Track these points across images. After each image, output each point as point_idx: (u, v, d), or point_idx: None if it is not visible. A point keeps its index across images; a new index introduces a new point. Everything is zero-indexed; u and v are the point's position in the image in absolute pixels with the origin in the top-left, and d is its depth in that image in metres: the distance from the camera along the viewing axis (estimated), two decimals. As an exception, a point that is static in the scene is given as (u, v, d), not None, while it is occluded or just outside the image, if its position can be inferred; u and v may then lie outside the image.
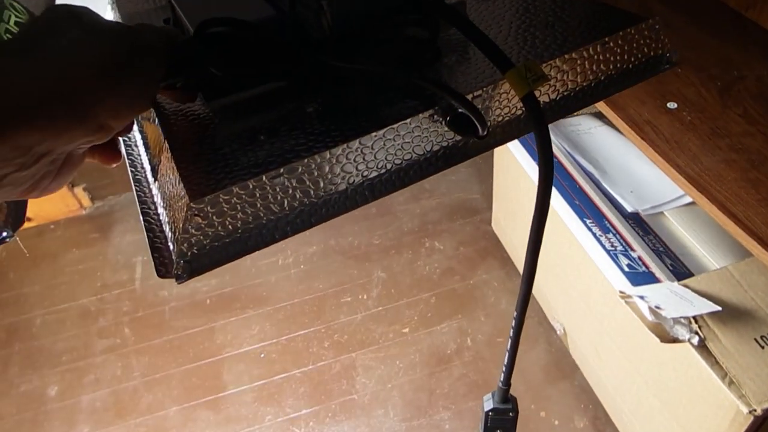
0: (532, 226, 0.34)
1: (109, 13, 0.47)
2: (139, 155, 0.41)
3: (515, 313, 0.39)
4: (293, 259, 1.32)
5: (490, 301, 1.18)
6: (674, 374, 0.66)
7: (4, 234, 0.27)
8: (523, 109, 0.34)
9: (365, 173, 0.33)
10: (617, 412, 0.89)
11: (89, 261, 1.38)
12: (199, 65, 0.29)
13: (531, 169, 0.89)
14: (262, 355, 1.14)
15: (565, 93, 0.36)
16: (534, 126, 0.30)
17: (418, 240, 1.32)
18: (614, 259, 0.69)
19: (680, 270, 0.71)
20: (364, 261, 1.29)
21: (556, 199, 0.80)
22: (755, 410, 0.58)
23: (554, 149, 0.89)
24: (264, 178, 0.29)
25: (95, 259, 1.38)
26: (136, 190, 0.37)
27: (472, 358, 1.09)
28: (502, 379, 0.46)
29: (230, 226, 0.31)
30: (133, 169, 0.39)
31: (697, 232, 0.78)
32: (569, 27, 0.37)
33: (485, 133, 0.31)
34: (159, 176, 0.35)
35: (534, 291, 1.14)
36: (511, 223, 1.15)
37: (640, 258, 0.70)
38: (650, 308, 0.61)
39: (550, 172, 0.31)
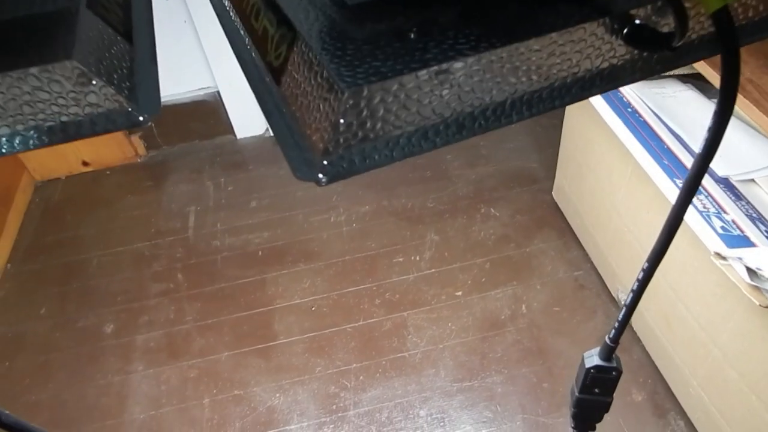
0: (696, 160, 0.31)
1: None
2: (248, 52, 0.38)
3: (645, 266, 0.36)
4: (345, 217, 1.31)
5: (547, 270, 1.15)
6: (763, 344, 0.63)
7: (141, 119, 0.26)
8: (713, 27, 0.31)
9: (525, 85, 0.30)
10: (682, 385, 0.86)
11: (143, 208, 1.40)
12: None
13: (615, 125, 0.84)
14: (313, 309, 1.14)
15: (756, 17, 0.33)
16: (722, 47, 0.27)
17: (473, 205, 1.29)
18: (708, 220, 0.66)
19: (774, 238, 0.67)
20: (417, 223, 1.27)
21: (644, 158, 0.77)
22: None
23: (640, 110, 0.86)
24: (424, 73, 0.27)
25: (149, 206, 1.40)
26: (251, 87, 0.35)
27: (526, 325, 1.07)
28: (611, 335, 0.43)
29: (380, 129, 0.28)
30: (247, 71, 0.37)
31: (789, 202, 0.74)
32: None
33: (680, 43, 0.28)
34: (286, 75, 0.33)
35: (595, 260, 1.11)
36: (577, 190, 1.12)
37: (734, 221, 0.66)
38: (749, 270, 0.58)
39: (731, 102, 0.28)
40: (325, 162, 0.27)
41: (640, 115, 0.83)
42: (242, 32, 0.33)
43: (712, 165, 0.76)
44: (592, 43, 0.29)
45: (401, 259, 1.21)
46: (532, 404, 0.96)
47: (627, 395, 0.96)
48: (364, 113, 0.26)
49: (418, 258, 1.21)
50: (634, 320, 1.00)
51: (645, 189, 0.80)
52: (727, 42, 0.26)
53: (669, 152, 0.76)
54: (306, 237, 1.28)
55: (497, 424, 0.95)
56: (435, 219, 1.27)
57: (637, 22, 0.28)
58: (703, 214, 0.67)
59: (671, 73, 0.91)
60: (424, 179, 1.36)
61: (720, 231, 0.65)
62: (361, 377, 1.03)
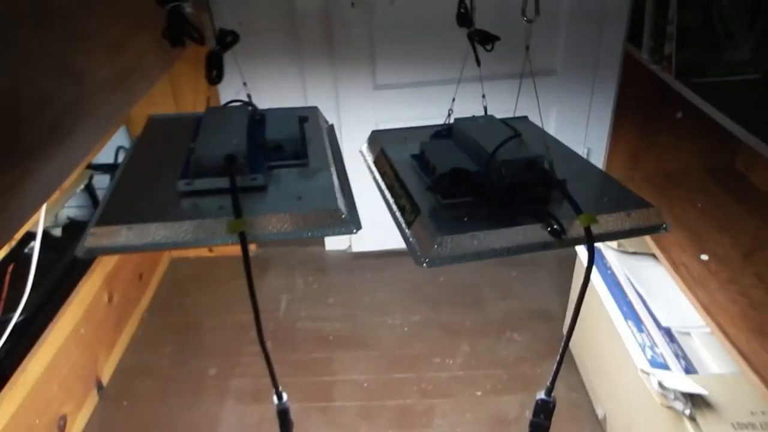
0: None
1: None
2: (395, 213, 0.76)
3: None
4: (399, 322, 1.68)
5: (551, 389, 1.45)
6: (663, 424, 0.93)
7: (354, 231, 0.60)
8: (584, 232, 0.66)
9: (504, 246, 0.66)
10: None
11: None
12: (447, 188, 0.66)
13: (606, 297, 1.20)
14: (365, 385, 1.48)
15: (601, 233, 0.69)
16: (587, 241, 0.63)
17: (501, 330, 1.64)
18: (643, 349, 0.99)
19: (692, 371, 0.99)
20: (454, 335, 1.63)
21: (611, 306, 1.12)
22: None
23: (617, 274, 1.22)
24: (467, 235, 0.63)
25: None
26: (395, 221, 0.73)
27: (526, 428, 1.36)
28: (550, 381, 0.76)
29: (450, 251, 0.65)
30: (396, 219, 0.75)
31: (715, 354, 1.06)
32: (616, 202, 0.69)
33: (564, 238, 0.64)
34: (413, 225, 0.70)
35: (587, 385, 1.41)
36: (578, 332, 1.45)
37: (662, 354, 0.99)
38: (659, 384, 0.91)
39: (590, 270, 0.65)
40: (426, 260, 0.65)
41: (615, 277, 1.19)
42: (392, 203, 0.74)
43: (657, 315, 1.11)
44: (536, 230, 0.66)
45: (438, 361, 1.55)
46: (522, 486, 1.23)
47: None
48: (444, 246, 0.64)
49: (451, 362, 1.54)
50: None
51: (610, 328, 1.14)
52: (589, 241, 0.63)
53: (629, 304, 1.11)
54: (367, 332, 1.65)
55: (492, 496, 1.22)
56: (469, 335, 1.62)
57: (551, 228, 0.66)
58: (641, 344, 1.01)
59: (645, 251, 1.28)
60: (464, 303, 1.74)
61: (649, 357, 0.98)
62: (393, 441, 1.34)
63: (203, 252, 1.98)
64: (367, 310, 1.73)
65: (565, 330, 1.59)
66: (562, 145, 0.79)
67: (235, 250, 0.59)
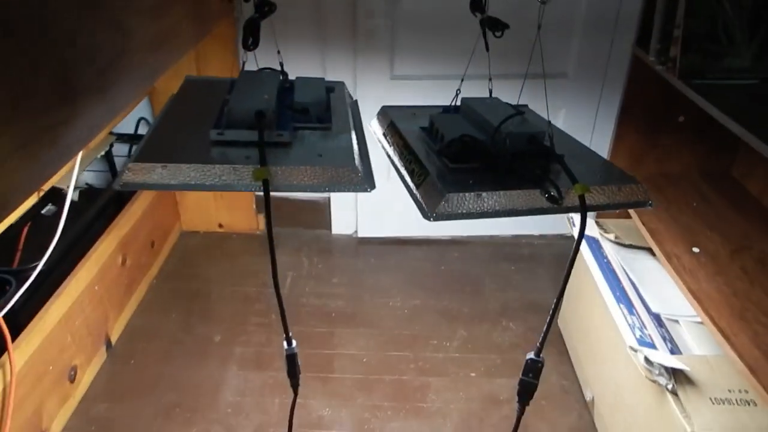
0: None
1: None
2: (404, 177, 0.83)
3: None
4: (400, 305, 1.74)
5: (543, 376, 1.50)
6: (648, 395, 0.99)
7: (368, 189, 0.66)
8: (578, 200, 0.72)
9: (505, 207, 0.72)
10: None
11: (256, 265, 1.89)
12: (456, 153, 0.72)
13: (600, 282, 1.26)
14: (364, 360, 1.54)
15: (594, 204, 0.75)
16: (581, 208, 0.70)
17: (498, 318, 1.69)
18: (632, 329, 1.05)
19: (676, 353, 1.05)
20: (452, 321, 1.68)
21: (605, 290, 1.18)
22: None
23: (613, 263, 1.29)
24: (471, 194, 0.70)
25: (260, 265, 1.89)
26: (404, 184, 0.80)
27: (516, 408, 1.41)
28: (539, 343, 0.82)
29: (455, 208, 0.71)
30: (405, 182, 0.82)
31: (700, 341, 1.12)
32: (608, 177, 0.76)
33: (560, 204, 0.71)
34: (422, 186, 0.77)
35: (578, 374, 1.47)
36: (572, 321, 1.51)
37: (650, 335, 1.05)
38: (646, 359, 0.97)
39: (581, 236, 0.72)
40: (434, 215, 0.72)
41: (611, 266, 1.26)
42: (401, 168, 0.80)
43: (648, 301, 1.17)
44: (534, 195, 0.73)
45: (435, 342, 1.61)
46: (510, 461, 1.29)
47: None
48: (450, 203, 0.71)
49: (448, 344, 1.60)
50: (596, 416, 1.34)
51: (604, 312, 1.20)
52: (582, 208, 0.70)
53: (623, 291, 1.17)
54: (369, 311, 1.71)
55: (480, 468, 1.27)
56: (466, 321, 1.68)
57: (548, 194, 0.72)
58: (630, 325, 1.06)
59: (641, 244, 1.34)
60: (464, 291, 1.79)
61: (637, 337, 1.04)
62: (389, 413, 1.39)
63: (213, 227, 2.04)
64: (369, 292, 1.79)
65: (558, 320, 1.65)
66: (561, 130, 0.85)
67: (244, 226, 0.64)
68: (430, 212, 0.65)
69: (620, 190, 0.69)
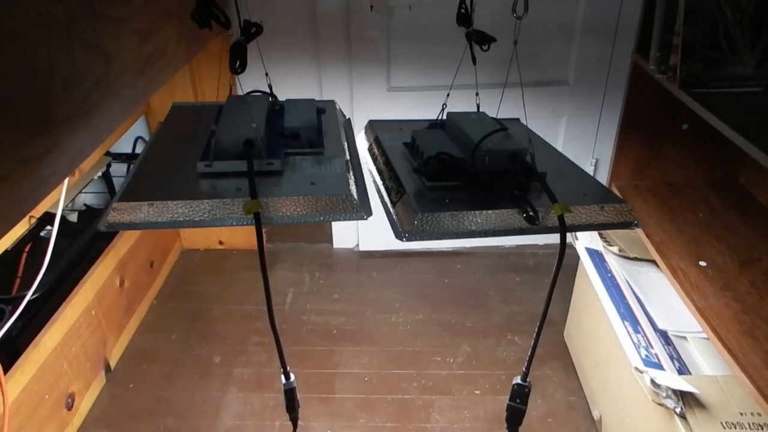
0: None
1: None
2: (382, 195, 0.80)
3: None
4: (403, 320, 1.71)
5: (549, 391, 1.47)
6: (654, 414, 0.95)
7: (365, 216, 0.63)
8: (557, 220, 0.65)
9: (481, 227, 0.70)
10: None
11: (256, 282, 1.86)
12: (433, 171, 0.70)
13: (604, 299, 1.22)
14: (366, 379, 1.51)
15: (574, 224, 0.72)
16: (560, 229, 0.66)
17: (502, 332, 1.66)
18: (637, 349, 1.02)
19: (685, 372, 1.01)
20: (456, 335, 1.65)
21: (609, 307, 1.15)
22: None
23: (617, 278, 1.25)
24: (447, 214, 0.66)
25: (260, 281, 1.85)
26: (381, 202, 0.77)
27: (523, 428, 1.38)
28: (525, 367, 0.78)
29: (430, 229, 0.69)
30: (383, 200, 0.80)
31: (709, 359, 1.08)
32: (592, 196, 0.71)
33: (538, 224, 0.67)
34: (398, 204, 0.74)
35: (585, 390, 1.43)
36: (577, 333, 1.48)
37: (656, 354, 1.01)
38: (652, 381, 0.93)
39: (561, 256, 0.67)
40: (407, 234, 0.69)
41: (615, 280, 1.22)
42: (380, 185, 0.78)
43: (655, 318, 1.13)
44: (511, 215, 0.69)
45: (438, 359, 1.57)
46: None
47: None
48: (424, 222, 0.68)
49: (451, 360, 1.57)
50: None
51: (609, 330, 1.16)
52: (562, 229, 0.66)
53: (628, 307, 1.14)
54: (371, 328, 1.68)
55: (486, 491, 1.24)
56: (470, 335, 1.65)
57: (526, 213, 0.68)
58: (636, 344, 1.03)
59: (646, 257, 1.31)
60: (468, 305, 1.76)
61: (643, 357, 1.00)
62: (391, 434, 1.36)
63: (213, 244, 2.03)
64: (371, 307, 1.76)
65: (564, 333, 1.62)
66: (549, 145, 0.82)
67: (244, 243, 0.62)
68: (403, 232, 0.62)
69: (603, 209, 0.66)
